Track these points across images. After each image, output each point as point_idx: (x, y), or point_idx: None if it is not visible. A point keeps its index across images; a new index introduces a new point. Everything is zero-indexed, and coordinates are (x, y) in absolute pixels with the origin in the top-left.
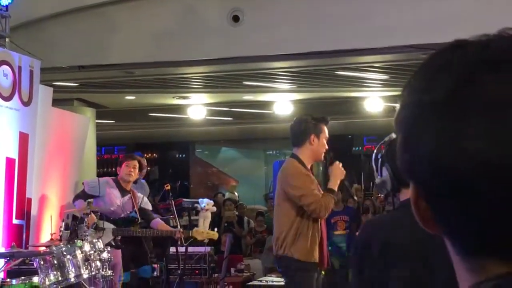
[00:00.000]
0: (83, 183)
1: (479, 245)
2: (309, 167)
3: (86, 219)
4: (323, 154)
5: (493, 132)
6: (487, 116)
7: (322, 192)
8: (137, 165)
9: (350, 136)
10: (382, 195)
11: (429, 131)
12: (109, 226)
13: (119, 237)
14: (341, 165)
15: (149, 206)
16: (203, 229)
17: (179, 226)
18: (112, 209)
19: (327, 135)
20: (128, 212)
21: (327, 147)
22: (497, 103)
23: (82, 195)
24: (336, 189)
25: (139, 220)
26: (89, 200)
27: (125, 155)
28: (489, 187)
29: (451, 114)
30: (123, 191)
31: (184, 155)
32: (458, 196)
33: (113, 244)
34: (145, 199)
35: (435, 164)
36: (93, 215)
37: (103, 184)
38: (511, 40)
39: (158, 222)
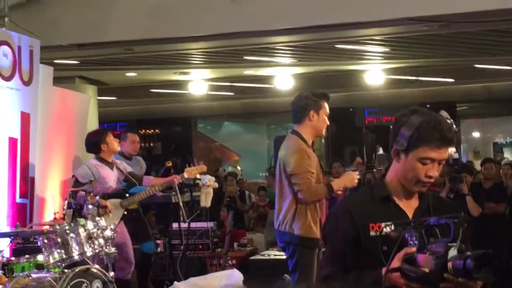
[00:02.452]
0: (73, 176)
1: None
2: (310, 143)
3: (95, 199)
4: (324, 130)
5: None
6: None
7: (322, 178)
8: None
9: (351, 109)
10: (382, 167)
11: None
12: (113, 202)
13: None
14: (357, 177)
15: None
16: (192, 168)
17: (181, 203)
18: (110, 185)
19: (327, 111)
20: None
21: (328, 122)
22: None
23: (79, 187)
24: (335, 190)
25: (126, 190)
26: (88, 185)
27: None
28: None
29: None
30: (110, 165)
31: (186, 131)
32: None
33: (127, 215)
34: (124, 163)
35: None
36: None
37: (92, 167)
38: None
39: (149, 179)
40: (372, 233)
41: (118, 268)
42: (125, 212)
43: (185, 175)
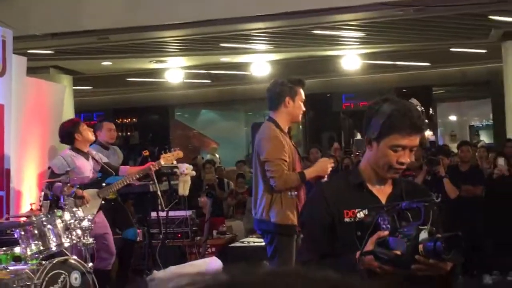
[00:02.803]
0: (49, 168)
1: None
2: (286, 129)
3: (71, 189)
4: (300, 116)
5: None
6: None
7: (300, 164)
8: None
9: (328, 95)
10: (360, 152)
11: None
12: (90, 192)
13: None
14: (331, 164)
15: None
16: (168, 155)
17: (159, 191)
18: (86, 176)
19: (303, 97)
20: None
21: (304, 109)
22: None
23: (56, 178)
24: (307, 178)
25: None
26: (65, 176)
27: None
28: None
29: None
30: (85, 155)
31: (163, 119)
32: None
33: (105, 205)
34: (100, 154)
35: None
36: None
37: (67, 158)
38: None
39: (125, 168)
40: (347, 219)
41: (99, 258)
42: (103, 202)
43: (162, 161)
